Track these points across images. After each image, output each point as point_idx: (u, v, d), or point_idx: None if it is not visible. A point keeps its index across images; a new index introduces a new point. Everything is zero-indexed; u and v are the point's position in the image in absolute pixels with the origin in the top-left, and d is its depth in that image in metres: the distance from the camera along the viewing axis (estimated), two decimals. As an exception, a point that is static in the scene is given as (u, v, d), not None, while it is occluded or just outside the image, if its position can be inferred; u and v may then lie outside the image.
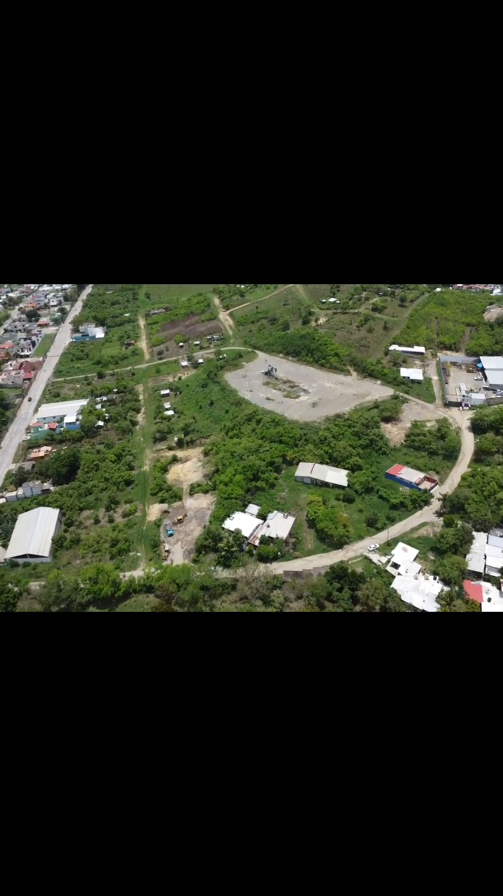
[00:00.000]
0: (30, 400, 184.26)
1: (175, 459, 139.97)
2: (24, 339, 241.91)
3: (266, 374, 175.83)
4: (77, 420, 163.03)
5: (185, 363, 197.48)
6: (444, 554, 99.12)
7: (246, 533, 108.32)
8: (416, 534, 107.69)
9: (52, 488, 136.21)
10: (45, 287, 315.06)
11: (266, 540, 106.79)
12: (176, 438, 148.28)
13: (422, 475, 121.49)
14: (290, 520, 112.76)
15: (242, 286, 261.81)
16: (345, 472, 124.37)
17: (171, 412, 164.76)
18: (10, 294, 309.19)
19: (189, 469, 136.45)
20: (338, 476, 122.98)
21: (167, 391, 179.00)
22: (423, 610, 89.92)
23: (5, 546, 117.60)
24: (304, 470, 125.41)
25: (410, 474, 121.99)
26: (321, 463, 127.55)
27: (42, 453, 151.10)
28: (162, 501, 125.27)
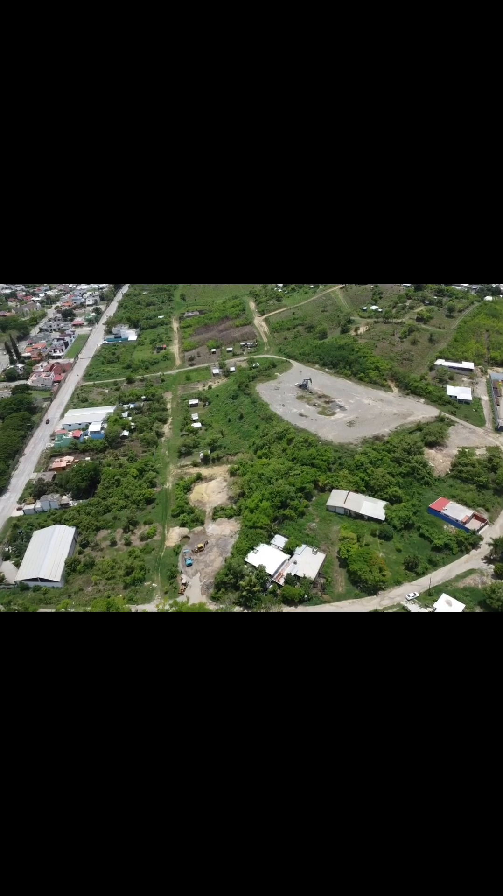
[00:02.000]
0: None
1: (199, 478, 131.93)
2: (58, 340, 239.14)
3: (300, 386, 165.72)
4: (102, 429, 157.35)
5: (216, 371, 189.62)
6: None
7: (270, 570, 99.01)
8: (462, 583, 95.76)
9: (70, 503, 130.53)
10: (83, 286, 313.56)
11: (292, 579, 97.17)
12: (202, 454, 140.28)
13: (469, 512, 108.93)
14: (320, 556, 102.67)
15: (279, 290, 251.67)
16: (383, 503, 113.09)
17: (198, 424, 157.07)
18: (49, 292, 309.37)
19: (213, 489, 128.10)
20: (375, 508, 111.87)
21: (196, 401, 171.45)
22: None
23: (17, 565, 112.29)
24: (338, 499, 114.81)
25: (456, 511, 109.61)
26: (356, 491, 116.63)
27: (64, 463, 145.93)
28: (182, 525, 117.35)
